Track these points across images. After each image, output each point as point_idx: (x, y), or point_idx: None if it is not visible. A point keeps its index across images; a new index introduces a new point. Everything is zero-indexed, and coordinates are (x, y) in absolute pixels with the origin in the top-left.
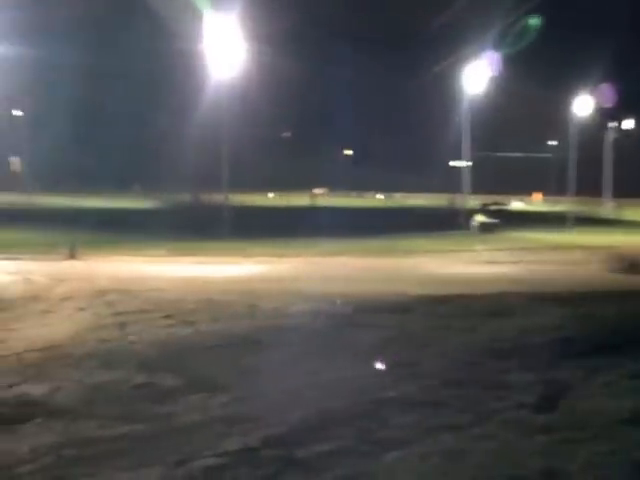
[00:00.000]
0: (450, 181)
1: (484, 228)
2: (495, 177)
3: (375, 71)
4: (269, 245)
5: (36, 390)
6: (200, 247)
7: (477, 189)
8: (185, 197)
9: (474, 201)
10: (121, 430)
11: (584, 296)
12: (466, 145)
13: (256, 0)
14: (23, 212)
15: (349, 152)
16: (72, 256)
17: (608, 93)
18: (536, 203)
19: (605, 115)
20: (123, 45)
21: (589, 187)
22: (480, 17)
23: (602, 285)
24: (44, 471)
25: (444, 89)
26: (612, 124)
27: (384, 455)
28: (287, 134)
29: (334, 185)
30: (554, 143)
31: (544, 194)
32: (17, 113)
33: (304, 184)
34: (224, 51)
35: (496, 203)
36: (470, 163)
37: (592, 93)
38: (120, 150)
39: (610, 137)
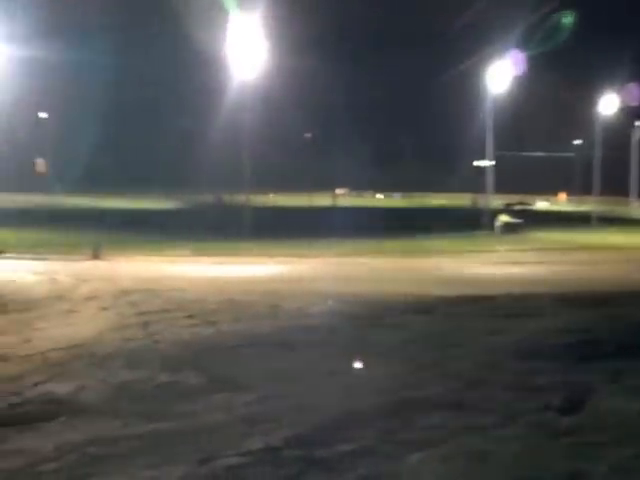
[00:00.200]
0: (473, 181)
1: (508, 228)
2: (519, 177)
3: (397, 71)
4: (291, 245)
5: (61, 389)
6: (222, 247)
7: (501, 189)
8: (207, 198)
9: (498, 201)
10: (145, 428)
11: (609, 297)
12: (490, 144)
13: (278, 1)
14: (48, 213)
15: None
16: (96, 256)
17: (634, 92)
18: (561, 203)
19: (631, 114)
20: (147, 47)
21: (614, 187)
22: (504, 16)
23: (627, 286)
24: (69, 469)
25: (467, 88)
26: (638, 123)
27: (407, 456)
28: (309, 135)
29: (356, 185)
30: (579, 142)
31: (569, 194)
32: (42, 115)
33: (326, 185)
34: (247, 52)
35: (520, 203)
36: (494, 163)
37: (618, 92)
38: (143, 151)
39: (636, 136)
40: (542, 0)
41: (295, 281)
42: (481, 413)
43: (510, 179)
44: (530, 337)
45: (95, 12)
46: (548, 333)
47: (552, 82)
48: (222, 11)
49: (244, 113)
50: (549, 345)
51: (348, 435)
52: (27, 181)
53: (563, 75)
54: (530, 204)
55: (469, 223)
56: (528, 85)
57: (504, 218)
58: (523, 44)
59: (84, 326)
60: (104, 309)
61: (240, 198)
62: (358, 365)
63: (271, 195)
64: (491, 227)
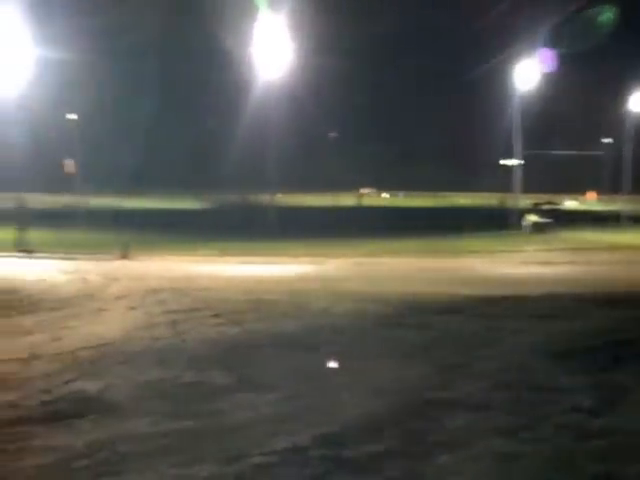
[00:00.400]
0: (500, 180)
1: (536, 228)
2: (547, 176)
3: (422, 69)
4: (317, 245)
5: (91, 387)
6: (248, 247)
7: (529, 188)
8: (233, 197)
9: (526, 200)
10: (173, 427)
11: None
12: (517, 143)
13: (303, 0)
14: (78, 213)
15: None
16: (125, 256)
17: None
18: (590, 202)
19: None
20: (173, 47)
21: None
22: (532, 13)
23: None
24: (99, 466)
25: (494, 87)
26: None
27: (434, 457)
28: (334, 134)
29: (381, 185)
30: (609, 141)
31: (598, 193)
32: (71, 116)
33: (351, 184)
34: (272, 51)
35: (548, 202)
36: (521, 161)
37: None
38: (170, 151)
39: None
40: None
41: (321, 281)
42: (510, 414)
43: (538, 178)
44: (560, 337)
45: (124, 13)
46: (579, 333)
47: (581, 80)
48: (249, 11)
49: (269, 112)
50: (580, 345)
51: (375, 435)
52: (56, 182)
53: (593, 72)
54: (558, 203)
55: (497, 223)
56: (557, 83)
57: (532, 218)
58: (554, 42)
59: (113, 325)
60: (133, 308)
61: (265, 198)
62: (385, 365)
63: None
64: (519, 227)
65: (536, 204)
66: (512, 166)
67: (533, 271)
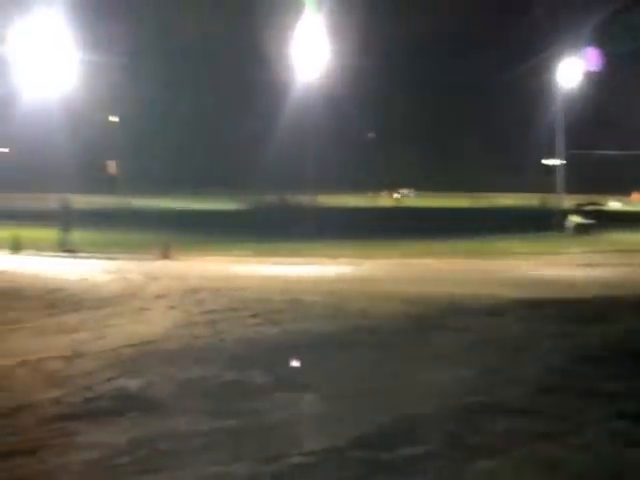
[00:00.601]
0: (542, 180)
1: (579, 229)
2: (591, 176)
3: (463, 68)
4: (354, 246)
5: (132, 384)
6: (286, 248)
7: (572, 189)
8: (271, 198)
9: (569, 201)
10: (212, 425)
11: None
12: (560, 143)
13: (341, 1)
14: (119, 214)
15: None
16: (165, 256)
17: None
18: (635, 203)
19: None
20: (212, 48)
21: None
22: (576, 11)
23: None
24: (141, 463)
25: (536, 86)
26: None
27: (474, 462)
28: (372, 135)
29: (419, 186)
30: None
31: None
32: (113, 119)
33: (389, 185)
34: (311, 52)
35: (592, 203)
36: (564, 161)
37: None
38: (209, 152)
39: None
40: None
41: (359, 282)
42: (551, 420)
43: (581, 178)
44: (604, 342)
45: (164, 16)
46: (623, 338)
47: (627, 79)
48: (288, 11)
49: (307, 113)
50: (624, 350)
51: (413, 438)
52: (99, 183)
53: (638, 70)
54: (602, 204)
55: (539, 224)
56: (601, 82)
57: (575, 219)
58: (599, 41)
59: (154, 323)
60: (173, 307)
61: (303, 198)
62: (424, 367)
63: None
64: (562, 228)
65: (579, 205)
66: (555, 166)
67: (576, 273)
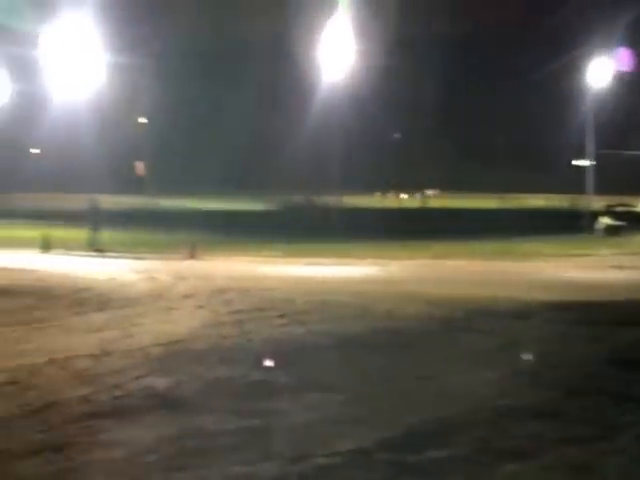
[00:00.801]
0: (572, 181)
1: (609, 231)
2: (621, 177)
3: (491, 68)
4: (381, 247)
5: (160, 383)
6: (312, 248)
7: (602, 190)
8: (297, 199)
9: (599, 202)
10: (239, 424)
11: None
12: (590, 143)
13: (367, 1)
14: (147, 214)
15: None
16: (192, 256)
17: None
18: None
19: None
20: (238, 48)
21: None
22: (606, 10)
23: None
24: (168, 460)
25: (567, 86)
26: None
27: (502, 466)
28: (398, 135)
29: (446, 186)
30: None
31: None
32: (141, 120)
33: (415, 185)
34: (337, 52)
35: (622, 204)
36: (594, 162)
37: None
38: (236, 153)
39: None
40: None
41: (386, 283)
42: (581, 424)
43: (612, 179)
44: (634, 345)
45: (189, 17)
46: None
47: None
48: (315, 12)
49: (333, 113)
50: None
51: (441, 441)
52: (127, 183)
53: None
54: (634, 205)
55: (568, 225)
56: (632, 82)
57: (605, 220)
58: (632, 41)
59: (182, 323)
60: (200, 307)
61: (330, 199)
62: (451, 370)
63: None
64: (591, 230)
65: (609, 206)
66: (584, 166)
67: (607, 276)
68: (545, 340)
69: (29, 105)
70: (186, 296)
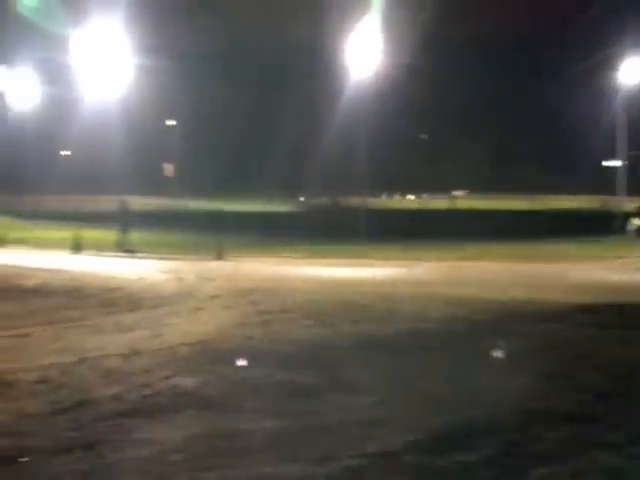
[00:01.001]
0: (603, 182)
1: None
2: None
3: (518, 67)
4: (407, 248)
5: (188, 382)
6: (338, 250)
7: (633, 191)
8: (323, 200)
9: (630, 204)
10: (266, 424)
11: None
12: (621, 144)
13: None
14: (175, 215)
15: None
16: (219, 257)
17: None
18: None
19: None
20: (266, 49)
21: None
22: (638, 10)
23: None
24: (196, 459)
25: (598, 85)
26: None
27: (532, 470)
28: (424, 136)
29: (474, 187)
30: None
31: None
32: (170, 122)
33: (443, 187)
34: (364, 53)
35: None
36: (625, 163)
37: None
38: (262, 154)
39: None
40: None
41: (412, 284)
42: (613, 428)
43: None
44: None
45: (215, 18)
46: None
47: None
48: (342, 12)
49: (360, 114)
50: None
51: (469, 444)
52: (155, 185)
53: None
54: None
55: (599, 227)
56: None
57: (637, 222)
58: None
59: (209, 323)
60: (227, 307)
61: (356, 200)
62: (480, 372)
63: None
64: (623, 231)
65: None
66: (616, 167)
67: (638, 278)
68: (575, 343)
69: (60, 107)
70: (213, 296)
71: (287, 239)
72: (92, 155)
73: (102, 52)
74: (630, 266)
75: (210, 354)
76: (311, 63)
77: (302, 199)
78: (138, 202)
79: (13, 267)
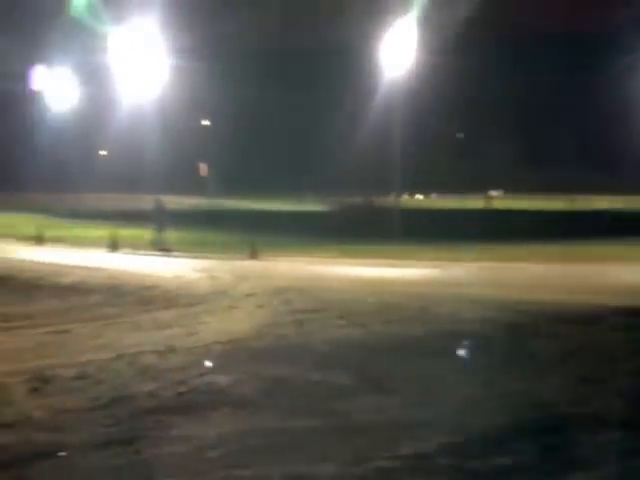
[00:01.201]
0: None
1: None
2: None
3: (557, 65)
4: (442, 248)
5: (222, 380)
6: (371, 249)
7: None
8: (356, 199)
9: None
10: (299, 424)
11: None
12: None
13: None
14: (210, 214)
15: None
16: (253, 256)
17: None
18: None
19: None
20: (300, 48)
21: None
22: None
23: None
24: (230, 457)
25: (635, 82)
26: None
27: (568, 475)
28: (460, 135)
29: (511, 187)
30: None
31: None
32: (205, 122)
33: (478, 186)
34: (399, 51)
35: None
36: None
37: None
38: (295, 154)
39: None
40: None
41: (447, 285)
42: None
43: None
44: None
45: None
46: None
47: None
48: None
49: (394, 113)
50: None
51: (503, 448)
52: (191, 184)
53: None
54: None
55: None
56: None
57: None
58: None
59: (243, 322)
60: (261, 306)
61: (389, 200)
62: (515, 375)
63: (419, 197)
64: None
65: None
66: None
67: None
68: (614, 346)
69: (97, 107)
70: (247, 295)
71: (320, 239)
72: (128, 155)
73: (138, 53)
74: None
75: (244, 352)
76: (345, 62)
77: (336, 198)
78: (173, 201)
79: (51, 265)
